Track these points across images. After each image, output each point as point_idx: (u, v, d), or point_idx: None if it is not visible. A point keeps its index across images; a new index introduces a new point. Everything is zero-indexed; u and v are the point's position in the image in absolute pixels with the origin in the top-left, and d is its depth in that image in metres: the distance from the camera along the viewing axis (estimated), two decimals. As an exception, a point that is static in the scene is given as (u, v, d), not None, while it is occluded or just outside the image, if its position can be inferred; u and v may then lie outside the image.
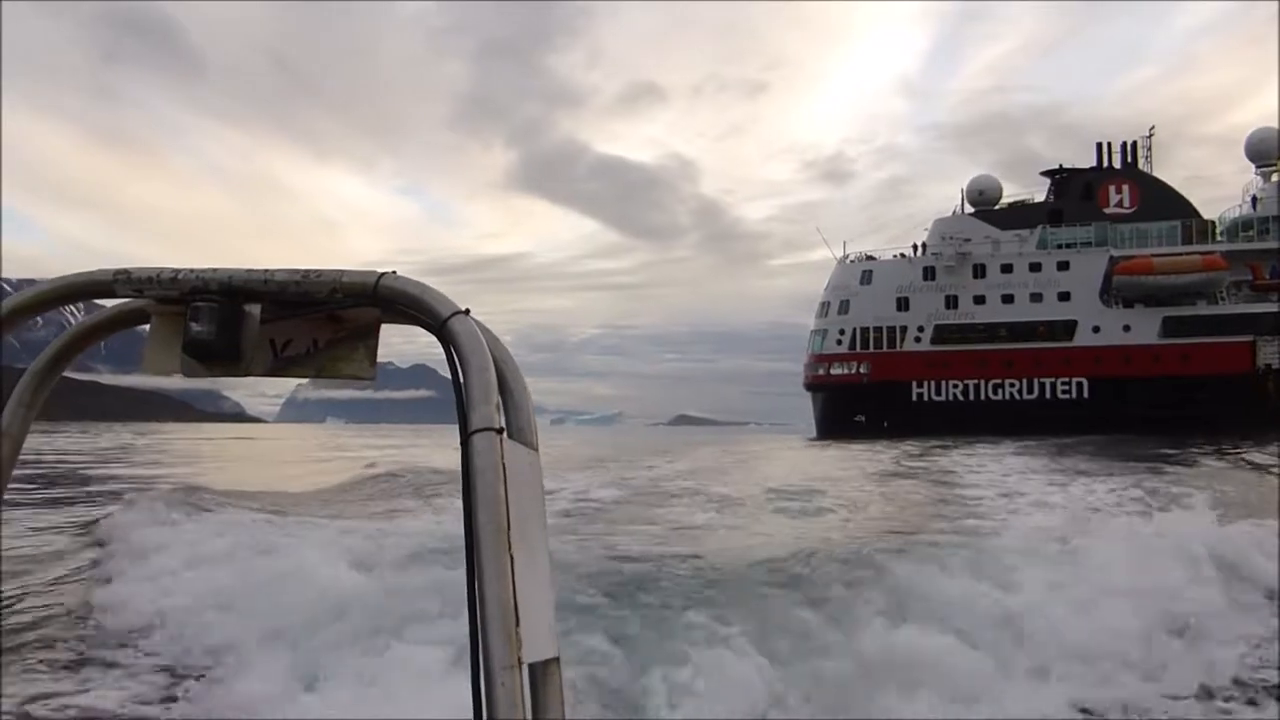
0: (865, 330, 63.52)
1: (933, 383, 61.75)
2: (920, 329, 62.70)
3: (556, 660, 1.24)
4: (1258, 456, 27.41)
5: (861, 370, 63.43)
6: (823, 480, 20.60)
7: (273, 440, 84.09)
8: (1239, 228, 60.98)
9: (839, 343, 64.35)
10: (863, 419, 60.86)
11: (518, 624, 1.08)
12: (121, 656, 6.97)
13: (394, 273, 1.24)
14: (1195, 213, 62.57)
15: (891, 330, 63.14)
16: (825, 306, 66.00)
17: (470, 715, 1.10)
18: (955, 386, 61.42)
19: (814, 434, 65.98)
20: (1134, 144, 65.14)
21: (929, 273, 63.08)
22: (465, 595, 1.13)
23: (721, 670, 5.82)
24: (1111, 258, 59.82)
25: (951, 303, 62.46)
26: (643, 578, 7.66)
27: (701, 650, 6.08)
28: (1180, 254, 58.38)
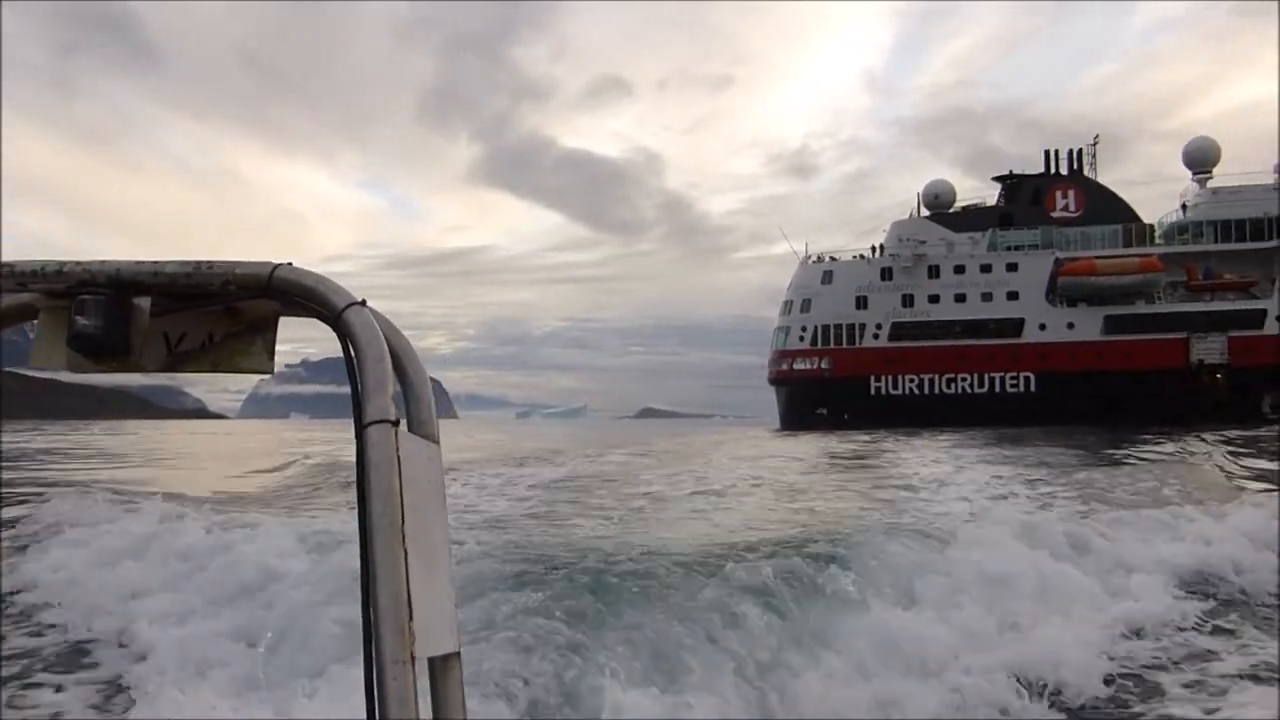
0: (826, 328, 66.67)
1: (890, 377, 65.02)
2: (878, 326, 65.93)
3: (457, 655, 1.25)
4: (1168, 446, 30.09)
5: (823, 365, 66.58)
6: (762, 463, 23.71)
7: (206, 437, 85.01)
8: (1175, 231, 64.82)
9: (801, 339, 67.48)
10: (824, 412, 64.04)
11: (411, 619, 1.07)
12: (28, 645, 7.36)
13: (289, 264, 1.26)
14: (1136, 217, 66.44)
15: (851, 327, 66.34)
16: (788, 305, 69.14)
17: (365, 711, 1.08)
18: (911, 381, 64.72)
19: (779, 426, 69.17)
20: (1079, 151, 68.93)
21: (886, 273, 66.34)
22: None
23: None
24: (1057, 259, 63.41)
25: (908, 301, 65.76)
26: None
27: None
28: (1120, 256, 62.09)
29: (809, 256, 69.63)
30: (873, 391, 65.01)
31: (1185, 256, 62.32)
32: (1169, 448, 27.98)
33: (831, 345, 66.55)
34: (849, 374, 65.30)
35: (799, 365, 67.65)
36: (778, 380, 69.90)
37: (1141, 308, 61.55)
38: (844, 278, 67.17)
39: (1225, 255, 61.71)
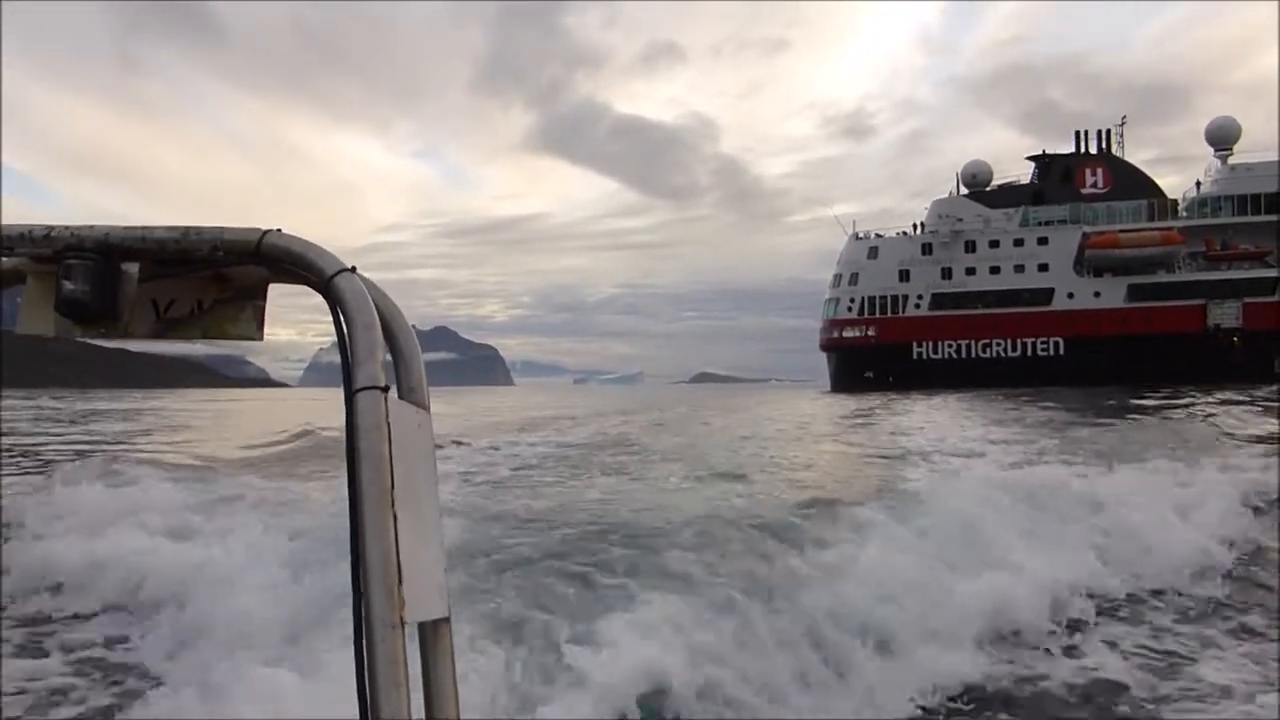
0: (872, 299, 72.86)
1: (930, 343, 71.10)
2: (920, 297, 71.99)
3: (447, 620, 1.26)
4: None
5: (869, 333, 72.83)
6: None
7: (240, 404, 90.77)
8: (1197, 205, 69.92)
9: (849, 309, 73.78)
10: (871, 375, 70.16)
11: (401, 583, 1.07)
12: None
13: (279, 230, 1.25)
14: (1161, 193, 71.72)
15: (895, 298, 72.42)
16: (838, 278, 75.43)
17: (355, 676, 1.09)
18: (950, 346, 70.73)
19: (829, 388, 75.49)
20: (1108, 131, 74.13)
21: (927, 248, 72.33)
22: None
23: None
24: (1084, 233, 68.68)
25: (946, 274, 71.66)
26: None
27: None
28: (1143, 230, 67.42)
29: (855, 233, 75.80)
30: (915, 356, 70.99)
31: (1205, 229, 67.29)
32: (1178, 403, 30.00)
33: (877, 315, 72.69)
34: (893, 341, 71.45)
35: (848, 333, 73.92)
36: (828, 347, 76.22)
37: (1162, 277, 66.59)
38: (888, 253, 73.28)
39: (1241, 227, 66.48)
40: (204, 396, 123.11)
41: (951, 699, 5.75)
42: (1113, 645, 6.74)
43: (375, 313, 1.19)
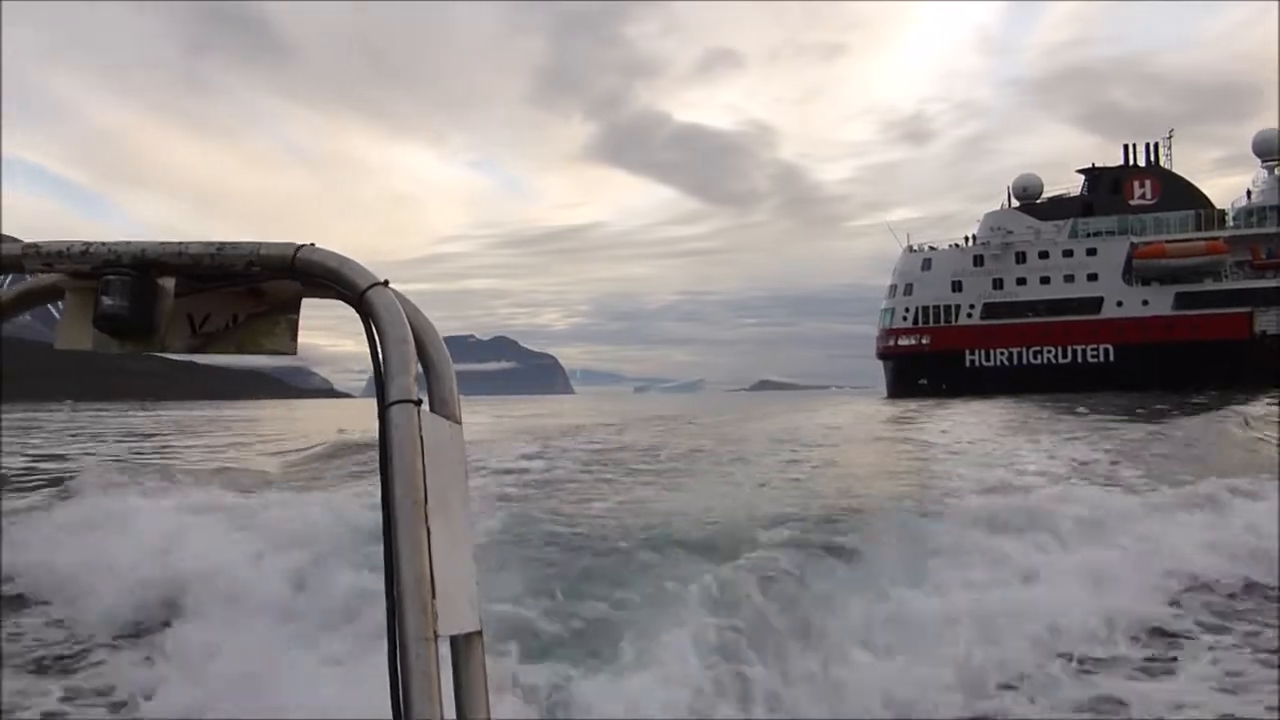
0: (926, 309, 75.80)
1: (983, 351, 73.74)
2: (971, 307, 74.77)
3: (479, 634, 1.26)
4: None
5: (924, 342, 75.65)
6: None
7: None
8: (1244, 215, 71.89)
9: (905, 319, 76.70)
10: (925, 382, 72.47)
11: (434, 597, 1.07)
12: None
13: (312, 245, 1.26)
14: (1209, 203, 73.72)
15: (948, 308, 75.31)
16: (893, 289, 78.46)
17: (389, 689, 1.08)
18: (1002, 354, 73.29)
19: (886, 395, 78.27)
20: (1156, 144, 76.46)
21: (979, 260, 75.12)
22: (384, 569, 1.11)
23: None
24: (1132, 244, 70.98)
25: (998, 284, 74.28)
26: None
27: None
28: (1189, 240, 69.54)
29: (910, 245, 78.90)
30: (967, 364, 73.70)
31: (1251, 238, 69.22)
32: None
33: (931, 324, 75.64)
34: (946, 349, 74.12)
35: (903, 342, 76.77)
36: (885, 355, 79.27)
37: (1209, 285, 68.62)
38: (941, 264, 76.26)
39: (1287, 237, 68.42)
40: (275, 406, 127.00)
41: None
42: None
43: (408, 326, 1.21)
